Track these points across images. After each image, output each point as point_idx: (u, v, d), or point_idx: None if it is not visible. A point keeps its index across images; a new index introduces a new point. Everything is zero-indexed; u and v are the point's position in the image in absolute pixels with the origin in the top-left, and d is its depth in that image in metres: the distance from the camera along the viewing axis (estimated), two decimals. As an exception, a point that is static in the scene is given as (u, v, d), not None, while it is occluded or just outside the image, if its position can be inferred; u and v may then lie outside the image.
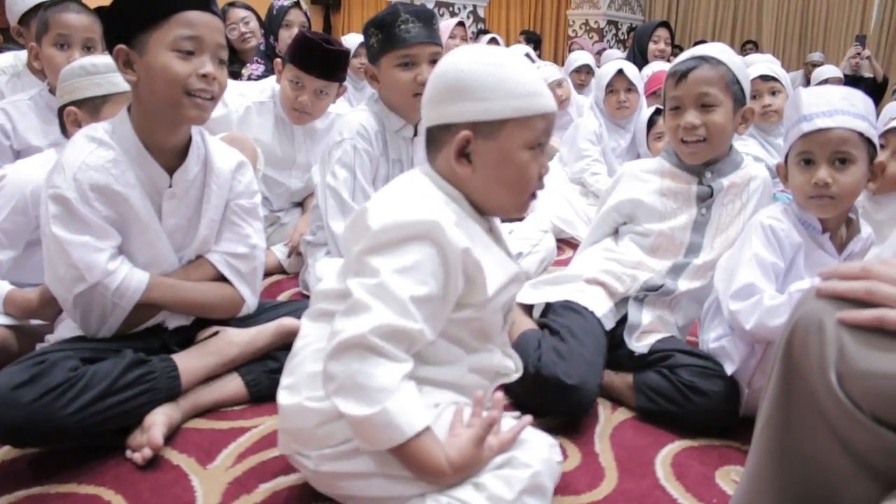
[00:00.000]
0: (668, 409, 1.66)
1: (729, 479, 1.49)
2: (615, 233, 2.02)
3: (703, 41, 9.44)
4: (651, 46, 4.69)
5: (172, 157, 1.62)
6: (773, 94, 3.14)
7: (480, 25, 9.24)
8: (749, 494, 0.96)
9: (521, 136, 1.21)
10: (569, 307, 1.80)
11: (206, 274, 1.73)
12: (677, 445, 1.61)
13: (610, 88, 3.43)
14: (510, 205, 1.28)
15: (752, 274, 1.53)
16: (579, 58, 4.72)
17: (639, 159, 2.00)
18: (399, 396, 1.08)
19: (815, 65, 7.67)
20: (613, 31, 11.16)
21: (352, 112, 2.35)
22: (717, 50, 1.84)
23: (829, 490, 0.87)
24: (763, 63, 3.32)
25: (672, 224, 1.87)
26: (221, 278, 1.75)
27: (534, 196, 1.28)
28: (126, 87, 1.66)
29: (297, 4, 3.91)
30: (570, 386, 1.56)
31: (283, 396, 1.26)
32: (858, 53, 6.65)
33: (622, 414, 1.75)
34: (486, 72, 1.20)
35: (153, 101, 1.53)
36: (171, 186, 1.61)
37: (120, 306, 1.57)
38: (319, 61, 2.56)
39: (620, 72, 3.39)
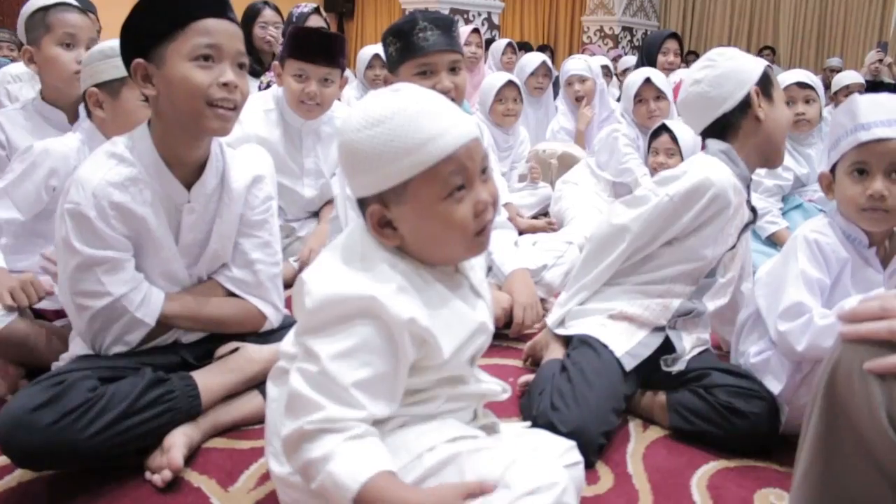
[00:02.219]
0: (706, 429, 1.60)
1: (768, 501, 1.44)
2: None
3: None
4: (660, 58, 4.62)
5: (191, 171, 1.57)
6: (808, 102, 3.07)
7: (495, 32, 9.19)
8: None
9: (429, 191, 1.08)
10: (586, 343, 1.71)
11: (218, 292, 1.68)
12: (712, 466, 1.56)
13: (638, 98, 3.38)
14: (455, 254, 1.16)
15: (799, 292, 1.47)
16: (532, 60, 4.51)
17: (715, 165, 1.71)
18: (339, 457, 1.00)
19: (834, 70, 7.59)
20: (628, 38, 11.12)
21: None
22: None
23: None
24: (800, 71, 3.25)
25: (718, 249, 1.75)
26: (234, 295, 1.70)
27: (483, 232, 1.12)
28: None
29: (317, 10, 3.88)
30: (565, 434, 1.43)
31: (273, 464, 1.21)
32: (880, 60, 6.56)
33: (654, 432, 1.69)
34: (367, 137, 1.07)
35: (174, 114, 1.48)
36: (189, 202, 1.57)
37: (143, 322, 1.53)
38: (319, 48, 2.58)
39: (648, 80, 3.34)
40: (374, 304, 1.04)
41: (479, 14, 9.11)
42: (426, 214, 1.09)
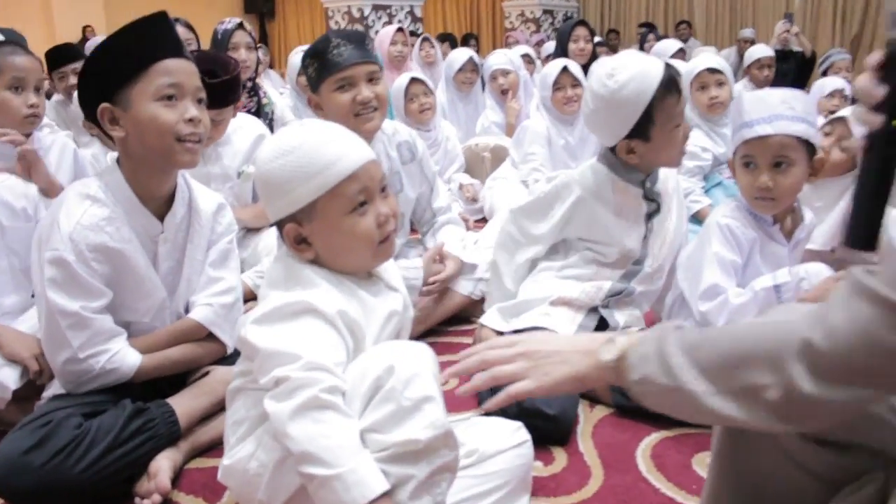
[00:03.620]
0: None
1: (704, 464, 1.58)
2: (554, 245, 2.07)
3: (649, 24, 9.71)
4: (572, 46, 4.77)
5: (162, 203, 1.67)
6: (720, 85, 3.28)
7: (418, 25, 9.28)
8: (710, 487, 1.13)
9: (335, 207, 1.24)
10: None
11: (197, 332, 1.78)
12: (654, 437, 1.71)
13: (557, 86, 3.53)
14: (364, 262, 1.31)
15: (715, 274, 1.64)
16: (459, 56, 4.65)
17: (583, 172, 1.96)
18: (362, 457, 1.08)
19: (747, 41, 7.88)
20: (550, 20, 11.30)
21: None
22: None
23: (782, 496, 1.02)
24: (709, 55, 3.46)
25: (627, 241, 1.93)
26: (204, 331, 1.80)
27: (386, 240, 1.29)
28: None
29: (240, 25, 3.92)
30: (552, 416, 1.63)
31: (224, 461, 1.30)
32: (787, 30, 6.85)
33: (600, 411, 1.84)
34: (279, 166, 1.24)
35: (145, 151, 1.58)
36: (163, 232, 1.67)
37: (115, 380, 1.63)
38: (209, 95, 2.48)
39: (565, 69, 3.50)
40: (310, 305, 1.18)
41: (402, 8, 9.16)
42: (335, 228, 1.25)
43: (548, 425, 1.64)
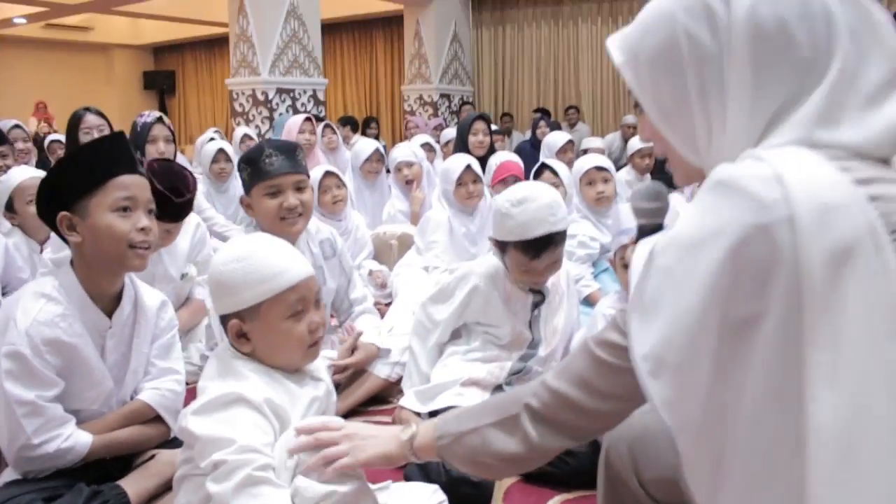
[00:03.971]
0: (548, 470, 2.00)
1: None
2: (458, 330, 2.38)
3: (543, 109, 10.29)
4: (471, 139, 5.05)
5: (110, 301, 1.86)
6: (605, 181, 3.69)
7: (321, 108, 9.59)
8: None
9: (277, 311, 1.45)
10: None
11: (146, 413, 1.95)
12: (557, 500, 1.97)
13: (459, 181, 3.85)
14: (294, 360, 1.51)
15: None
16: (366, 147, 4.98)
17: (480, 262, 2.35)
18: None
19: (630, 126, 8.53)
20: (447, 104, 11.80)
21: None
22: (553, 215, 2.13)
23: None
24: (596, 156, 3.88)
25: (516, 325, 2.25)
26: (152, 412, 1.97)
27: (315, 345, 1.51)
28: None
29: (160, 119, 4.11)
30: (477, 483, 1.88)
31: None
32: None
33: (509, 480, 2.07)
34: (232, 269, 1.45)
35: (98, 256, 1.77)
36: (111, 328, 1.85)
37: (67, 461, 1.78)
38: (167, 210, 2.53)
39: (468, 167, 3.83)
40: (240, 395, 1.39)
41: (305, 92, 9.41)
42: (273, 329, 1.45)
43: (473, 491, 1.88)
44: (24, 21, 13.60)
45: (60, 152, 5.59)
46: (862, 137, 0.87)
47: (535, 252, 2.13)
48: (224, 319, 1.50)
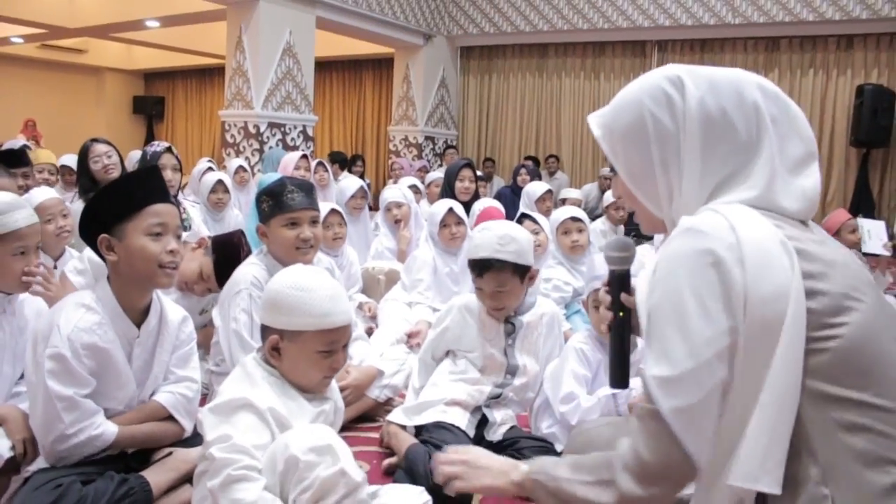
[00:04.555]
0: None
1: None
2: (452, 353, 2.65)
3: (533, 158, 10.64)
4: (457, 185, 5.37)
5: (139, 313, 2.12)
6: (580, 231, 4.01)
7: (310, 143, 9.87)
8: None
9: (315, 344, 1.71)
10: (440, 426, 2.37)
11: (159, 412, 2.19)
12: (528, 507, 2.24)
13: (443, 223, 4.14)
14: (311, 386, 1.77)
15: (571, 385, 2.23)
16: (351, 185, 5.30)
17: (462, 296, 2.69)
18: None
19: (607, 178, 8.87)
20: (431, 146, 12.13)
21: (244, 265, 2.79)
22: (503, 245, 2.40)
23: None
24: (572, 207, 4.25)
25: (491, 351, 2.53)
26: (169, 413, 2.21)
27: (328, 377, 1.78)
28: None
29: (168, 149, 4.38)
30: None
31: None
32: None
33: (484, 491, 2.35)
34: (293, 295, 1.71)
35: (132, 273, 2.03)
36: (138, 337, 2.10)
37: (96, 447, 2.01)
38: (223, 280, 2.89)
39: (451, 209, 4.13)
40: (247, 401, 1.66)
41: (295, 127, 9.67)
42: (304, 356, 1.73)
43: (458, 498, 2.11)
44: (21, 41, 13.84)
45: (68, 176, 5.82)
46: (787, 203, 1.20)
47: (478, 271, 2.42)
48: (266, 330, 1.76)
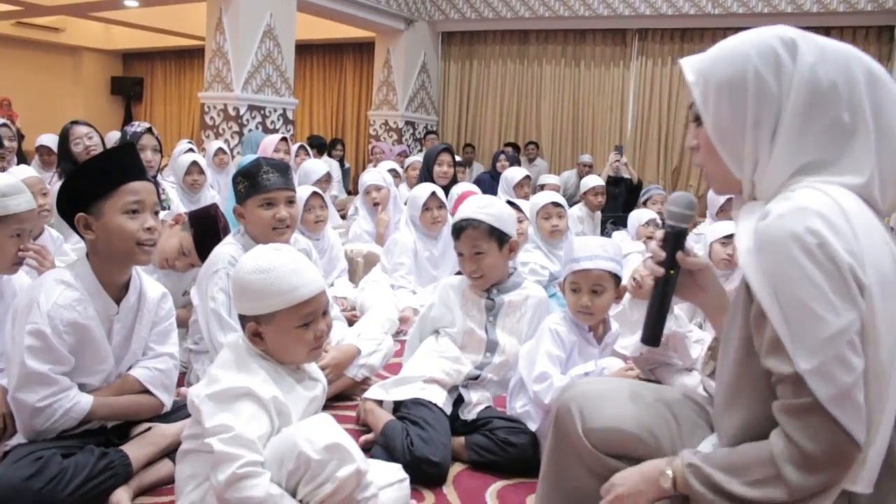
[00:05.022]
0: (492, 460, 2.33)
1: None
2: (436, 332, 2.70)
3: (513, 144, 10.70)
4: (436, 169, 5.42)
5: (118, 290, 2.13)
6: (560, 217, 4.07)
7: (290, 127, 9.84)
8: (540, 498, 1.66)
9: (290, 320, 1.70)
10: (418, 402, 2.42)
11: (135, 386, 2.21)
12: (499, 484, 2.28)
13: (425, 207, 4.18)
14: (299, 359, 1.78)
15: (545, 365, 2.27)
16: (319, 168, 5.54)
17: (450, 277, 2.78)
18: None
19: (586, 165, 8.95)
20: (411, 131, 12.13)
21: (221, 245, 2.83)
22: (481, 208, 2.57)
23: (583, 497, 1.54)
24: (553, 193, 4.31)
25: (471, 326, 2.59)
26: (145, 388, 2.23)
27: (318, 347, 1.77)
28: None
29: (149, 130, 4.38)
30: (436, 462, 2.20)
31: None
32: (618, 160, 7.93)
33: (458, 466, 2.38)
34: (256, 279, 1.68)
35: (111, 251, 2.05)
36: (118, 313, 2.12)
37: (71, 419, 2.04)
38: (205, 254, 2.95)
39: (433, 193, 4.17)
40: (249, 390, 1.67)
41: (275, 110, 9.63)
42: (285, 334, 1.72)
43: (433, 470, 2.21)
44: (-5, 18, 13.65)
45: (47, 157, 5.79)
46: (879, 196, 1.20)
47: (457, 234, 2.57)
48: (242, 319, 1.77)
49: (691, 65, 1.30)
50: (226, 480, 1.56)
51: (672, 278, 1.51)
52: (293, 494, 1.61)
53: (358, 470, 1.61)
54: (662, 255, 1.51)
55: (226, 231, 3.12)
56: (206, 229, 3.07)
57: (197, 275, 2.92)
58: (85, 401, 2.06)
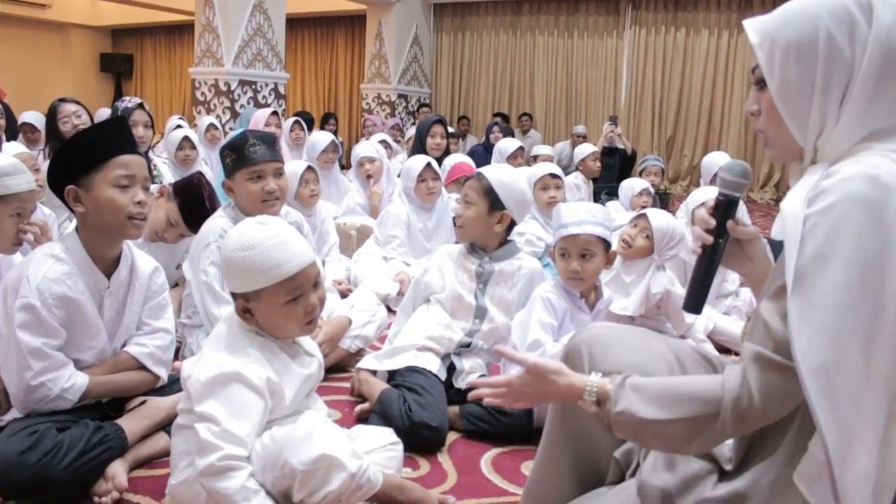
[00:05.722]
0: (486, 428, 2.35)
1: (528, 468, 2.06)
2: (428, 300, 2.70)
3: (502, 114, 10.66)
4: (429, 141, 5.39)
5: (109, 264, 2.12)
6: (557, 188, 4.08)
7: (282, 101, 9.80)
8: (543, 460, 1.66)
9: (278, 296, 1.68)
10: (413, 370, 2.43)
11: (130, 363, 2.21)
12: (494, 452, 2.30)
13: (421, 178, 4.17)
14: (293, 334, 1.77)
15: (537, 332, 2.28)
16: (322, 139, 5.37)
17: (451, 245, 2.78)
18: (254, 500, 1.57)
19: (580, 136, 8.94)
20: (404, 104, 12.11)
21: (212, 218, 2.83)
22: (491, 170, 2.62)
23: (592, 442, 1.56)
24: (551, 164, 4.35)
25: (460, 292, 2.60)
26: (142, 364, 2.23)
27: (311, 322, 1.75)
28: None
29: (140, 105, 4.35)
30: (435, 427, 2.22)
31: (171, 479, 1.78)
32: (612, 130, 7.91)
33: (453, 435, 2.39)
34: (240, 257, 1.65)
35: (100, 225, 2.03)
36: (108, 288, 2.12)
37: (66, 399, 2.03)
38: (196, 224, 2.96)
39: (428, 164, 4.15)
40: (240, 375, 1.66)
41: (267, 85, 9.60)
42: (274, 310, 1.70)
43: (432, 434, 2.22)
44: (-21, -5, 13.50)
45: (30, 134, 5.74)
46: None
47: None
48: (232, 295, 1.77)
49: (754, 26, 1.24)
50: (204, 469, 1.58)
51: (721, 246, 1.49)
52: (288, 497, 1.62)
53: (351, 476, 1.61)
54: (712, 222, 1.47)
55: (212, 199, 3.11)
56: (191, 198, 3.06)
57: (189, 247, 2.92)
58: (81, 381, 2.05)
